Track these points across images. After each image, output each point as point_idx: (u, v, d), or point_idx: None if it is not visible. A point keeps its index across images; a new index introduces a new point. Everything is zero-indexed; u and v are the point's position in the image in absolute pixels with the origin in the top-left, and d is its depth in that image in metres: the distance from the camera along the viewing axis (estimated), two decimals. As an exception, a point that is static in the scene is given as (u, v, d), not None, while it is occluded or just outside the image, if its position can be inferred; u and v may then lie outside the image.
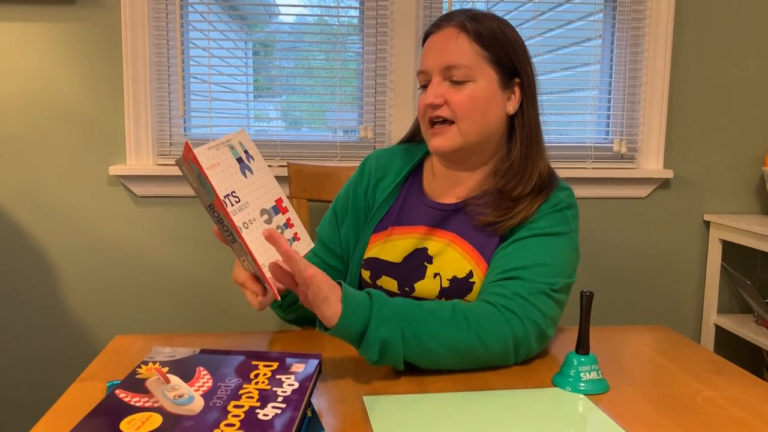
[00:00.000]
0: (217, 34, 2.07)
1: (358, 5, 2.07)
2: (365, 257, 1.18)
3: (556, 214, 1.08)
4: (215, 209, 0.86)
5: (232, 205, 0.86)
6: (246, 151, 0.91)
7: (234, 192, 0.87)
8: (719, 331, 2.18)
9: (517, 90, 1.11)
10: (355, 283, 1.20)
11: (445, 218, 1.14)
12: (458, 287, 1.10)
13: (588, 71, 2.19)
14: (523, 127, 1.12)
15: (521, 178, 1.09)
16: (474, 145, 1.10)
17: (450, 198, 1.16)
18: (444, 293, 1.10)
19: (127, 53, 1.92)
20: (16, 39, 1.90)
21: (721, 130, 2.18)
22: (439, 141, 1.09)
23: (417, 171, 1.22)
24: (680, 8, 2.09)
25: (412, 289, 1.13)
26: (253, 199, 0.89)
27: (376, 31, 2.02)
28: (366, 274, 1.17)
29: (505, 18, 1.15)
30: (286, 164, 1.85)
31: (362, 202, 1.21)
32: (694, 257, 2.23)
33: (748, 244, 2.00)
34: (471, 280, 1.09)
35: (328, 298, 0.87)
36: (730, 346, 2.20)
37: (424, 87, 1.11)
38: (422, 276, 1.12)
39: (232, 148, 0.89)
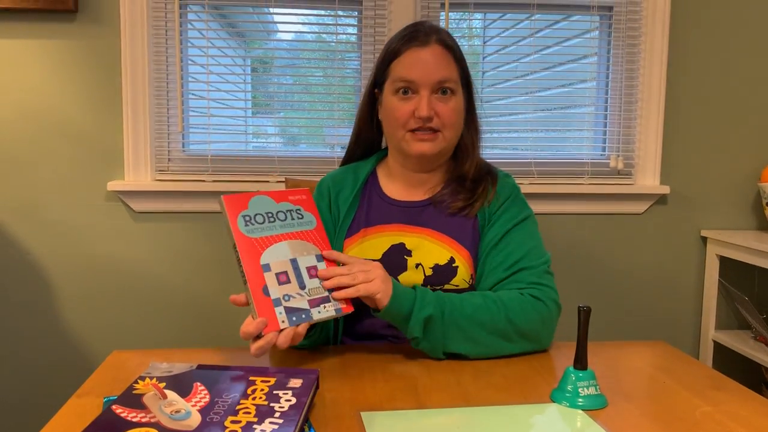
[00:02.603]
0: (216, 51, 2.08)
1: (356, 23, 2.09)
2: None
3: (517, 200, 1.23)
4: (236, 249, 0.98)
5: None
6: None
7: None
8: (717, 346, 2.17)
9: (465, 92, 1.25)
10: None
11: (416, 214, 1.23)
12: (442, 273, 1.17)
13: (584, 88, 2.20)
14: (468, 120, 1.26)
15: (471, 158, 1.25)
16: (449, 149, 1.24)
17: (414, 196, 1.25)
18: (428, 281, 1.17)
19: (126, 69, 1.94)
20: (16, 55, 1.91)
21: (717, 146, 2.19)
22: (425, 146, 1.18)
23: (371, 178, 1.30)
24: (675, 25, 2.11)
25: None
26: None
27: (373, 48, 2.04)
28: None
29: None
30: (284, 179, 1.85)
31: (328, 216, 1.27)
32: (691, 273, 2.23)
33: (745, 259, 2.00)
34: (454, 264, 1.18)
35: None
36: (728, 362, 2.20)
37: (404, 93, 1.18)
38: (404, 268, 1.18)
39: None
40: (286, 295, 0.97)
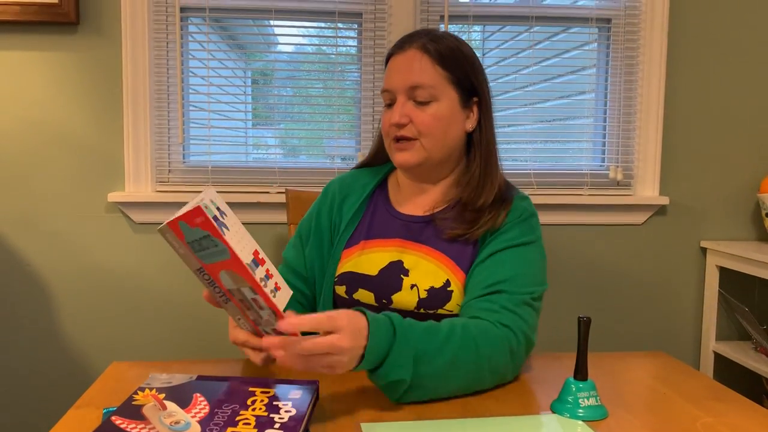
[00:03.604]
0: (217, 62, 2.10)
1: (355, 35, 2.11)
2: (340, 272, 1.19)
3: (523, 224, 1.13)
4: (205, 272, 0.86)
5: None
6: (218, 208, 0.88)
7: None
8: (718, 357, 2.17)
9: (475, 108, 1.17)
10: (329, 300, 1.21)
11: (416, 231, 1.18)
12: (436, 297, 1.11)
13: (583, 99, 2.21)
14: (481, 143, 1.17)
15: (482, 189, 1.14)
16: (436, 160, 1.15)
17: (417, 209, 1.20)
18: (422, 304, 1.12)
19: (127, 81, 1.95)
20: (17, 67, 1.92)
21: (716, 157, 2.19)
22: (403, 156, 1.14)
23: (382, 187, 1.26)
24: (673, 36, 2.12)
25: (390, 302, 1.14)
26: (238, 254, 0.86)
27: (373, 60, 2.05)
28: (341, 290, 1.18)
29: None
30: (284, 191, 1.85)
31: (326, 223, 1.24)
32: (691, 284, 2.23)
33: (745, 270, 2.00)
34: (449, 288, 1.11)
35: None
36: (729, 373, 2.19)
37: (389, 105, 1.15)
38: (399, 288, 1.14)
39: (206, 207, 0.85)
40: (256, 319, 0.90)
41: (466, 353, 0.94)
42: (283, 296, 0.90)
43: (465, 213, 1.15)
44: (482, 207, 1.13)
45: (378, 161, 1.29)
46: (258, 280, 0.86)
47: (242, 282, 0.86)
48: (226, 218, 0.88)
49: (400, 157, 1.14)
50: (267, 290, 0.86)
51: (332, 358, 0.83)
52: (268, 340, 0.84)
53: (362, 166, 1.31)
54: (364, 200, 1.23)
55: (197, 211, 0.83)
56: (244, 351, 0.96)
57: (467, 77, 1.14)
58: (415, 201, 1.21)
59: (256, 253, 0.90)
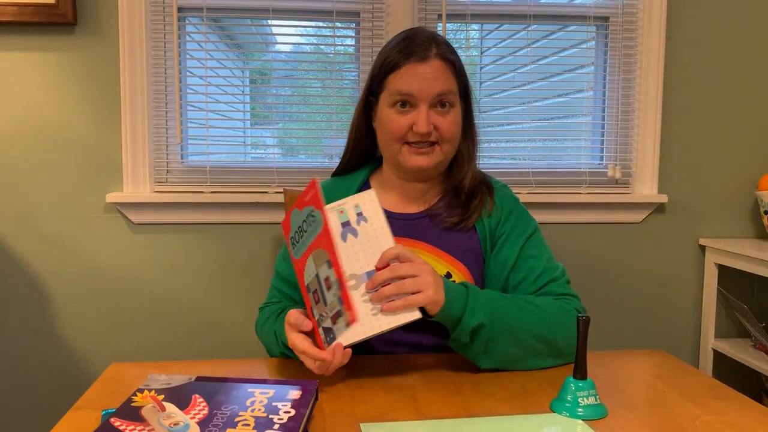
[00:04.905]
0: (215, 62, 2.09)
1: (353, 35, 2.10)
2: None
3: (521, 215, 1.23)
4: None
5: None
6: (360, 213, 0.99)
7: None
8: (717, 355, 2.17)
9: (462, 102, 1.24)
10: None
11: (411, 227, 1.21)
12: None
13: (581, 98, 2.21)
14: (466, 130, 1.24)
15: (468, 169, 1.23)
16: (447, 161, 1.23)
17: (408, 207, 1.25)
18: None
19: (125, 81, 1.94)
20: (15, 68, 1.92)
21: (714, 155, 2.20)
22: (424, 160, 1.17)
23: (365, 188, 1.27)
24: (671, 34, 2.12)
25: None
26: (345, 263, 0.96)
27: (371, 59, 2.05)
28: None
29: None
30: (282, 190, 1.85)
31: None
32: (690, 282, 2.23)
33: (744, 268, 2.01)
34: (451, 279, 1.15)
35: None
36: (728, 371, 2.19)
37: (402, 107, 1.16)
38: None
39: (341, 212, 0.98)
40: (321, 315, 0.97)
41: (532, 307, 1.07)
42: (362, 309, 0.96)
43: (455, 201, 1.23)
44: (470, 191, 1.22)
45: (352, 165, 1.31)
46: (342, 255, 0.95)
47: (324, 256, 0.94)
48: (364, 224, 0.98)
49: (417, 160, 1.17)
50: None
51: (416, 268, 0.96)
52: (323, 354, 0.94)
53: (341, 171, 1.33)
54: None
55: (311, 185, 0.96)
56: (303, 359, 0.98)
57: (466, 83, 1.22)
58: (406, 201, 1.25)
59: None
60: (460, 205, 1.22)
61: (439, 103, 1.15)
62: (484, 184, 1.25)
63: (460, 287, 1.03)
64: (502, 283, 1.18)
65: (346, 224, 0.97)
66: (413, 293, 0.96)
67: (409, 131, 1.16)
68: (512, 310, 1.05)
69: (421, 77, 1.14)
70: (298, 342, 0.97)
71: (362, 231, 0.98)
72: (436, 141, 1.17)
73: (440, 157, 1.18)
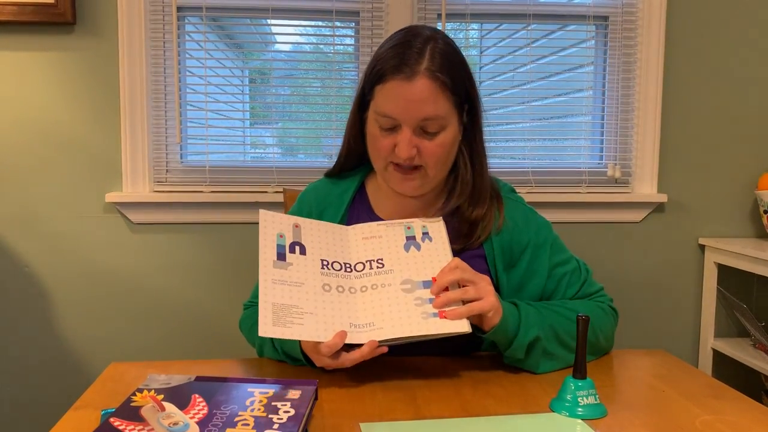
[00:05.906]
0: (214, 62, 2.09)
1: (353, 34, 2.10)
2: None
3: (534, 221, 1.18)
4: None
5: (371, 267, 1.03)
6: (426, 233, 1.08)
7: (380, 259, 1.04)
8: (717, 355, 2.17)
9: (464, 115, 1.12)
10: None
11: None
12: None
13: (581, 97, 2.21)
14: (471, 149, 1.15)
15: (477, 198, 1.15)
16: (438, 182, 1.15)
17: (404, 216, 1.16)
18: None
19: (124, 81, 1.94)
20: (14, 67, 1.91)
21: (714, 154, 2.19)
22: (409, 187, 1.11)
23: (360, 193, 1.23)
24: (671, 34, 2.12)
25: None
26: (403, 269, 1.03)
27: (370, 59, 2.04)
28: None
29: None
30: (282, 190, 1.85)
31: None
32: (689, 281, 2.23)
33: (744, 267, 2.01)
34: None
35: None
36: (727, 370, 2.19)
37: (388, 129, 1.08)
38: None
39: (408, 228, 1.08)
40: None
41: (575, 314, 1.03)
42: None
43: (460, 227, 1.14)
44: (477, 219, 1.13)
45: (348, 168, 1.24)
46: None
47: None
48: (428, 243, 1.06)
49: (403, 186, 1.11)
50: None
51: (480, 286, 0.98)
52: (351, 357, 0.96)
53: (332, 175, 1.25)
54: (344, 213, 1.19)
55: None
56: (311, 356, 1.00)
57: (465, 90, 1.11)
58: (401, 209, 1.18)
59: (434, 279, 1.02)
60: (463, 234, 1.14)
61: (426, 127, 1.06)
62: (494, 198, 1.16)
63: (510, 304, 1.04)
64: (533, 295, 1.15)
65: (410, 238, 1.05)
66: (474, 300, 0.98)
67: (392, 152, 1.08)
68: (560, 320, 1.08)
69: (405, 100, 1.04)
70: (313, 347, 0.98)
71: (425, 247, 1.05)
72: (421, 165, 1.08)
73: (427, 179, 1.11)
